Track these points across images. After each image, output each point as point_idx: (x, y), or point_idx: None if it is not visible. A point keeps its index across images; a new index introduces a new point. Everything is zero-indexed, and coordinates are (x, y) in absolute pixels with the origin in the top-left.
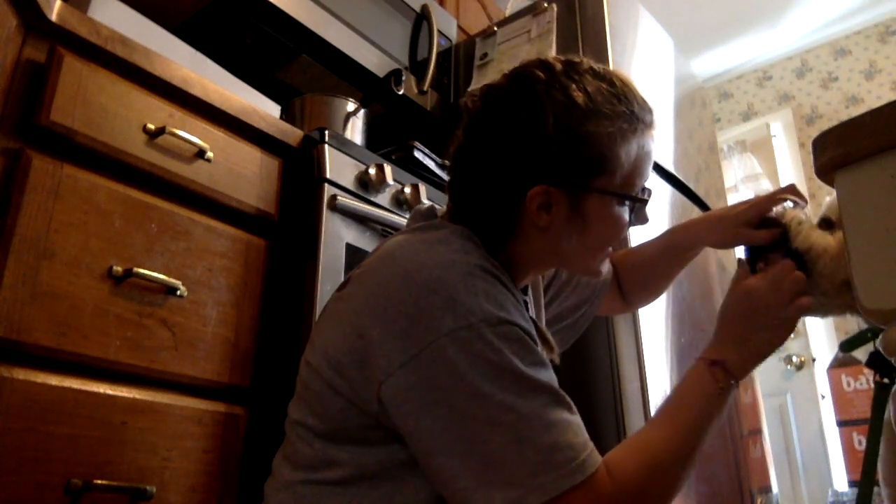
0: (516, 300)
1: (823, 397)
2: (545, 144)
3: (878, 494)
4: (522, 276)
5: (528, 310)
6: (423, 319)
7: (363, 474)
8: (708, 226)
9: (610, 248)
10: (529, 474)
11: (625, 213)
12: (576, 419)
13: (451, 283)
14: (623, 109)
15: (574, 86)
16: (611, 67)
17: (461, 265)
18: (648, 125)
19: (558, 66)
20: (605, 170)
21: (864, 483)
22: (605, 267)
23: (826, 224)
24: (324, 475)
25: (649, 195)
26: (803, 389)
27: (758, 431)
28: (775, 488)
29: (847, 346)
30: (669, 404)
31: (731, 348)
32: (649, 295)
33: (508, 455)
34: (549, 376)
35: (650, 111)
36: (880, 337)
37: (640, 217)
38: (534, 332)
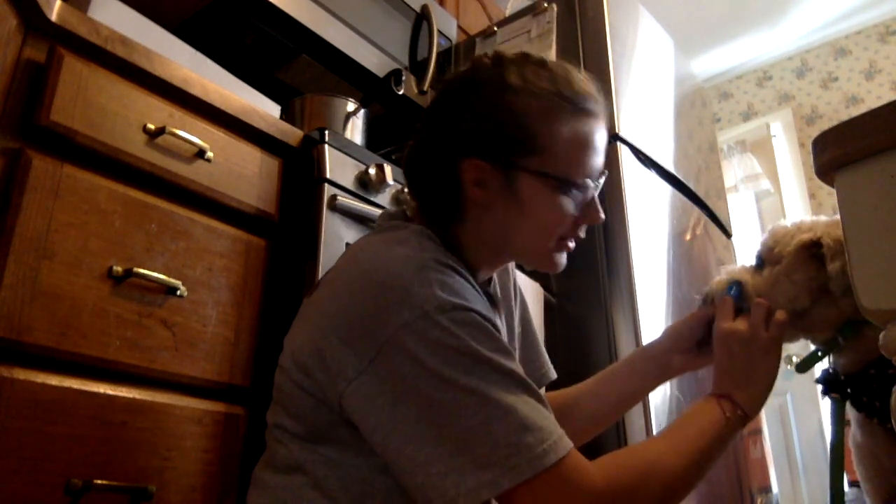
0: (477, 292)
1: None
2: (473, 118)
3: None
4: (478, 267)
5: (493, 305)
6: (381, 316)
7: (338, 476)
8: (661, 362)
9: (565, 241)
10: (501, 456)
11: (567, 203)
12: (543, 404)
13: (405, 277)
14: (554, 90)
15: (514, 69)
16: (610, 68)
17: (415, 260)
18: (588, 113)
19: (508, 55)
20: (531, 148)
21: (835, 479)
22: (562, 261)
23: (758, 262)
24: (300, 477)
25: (594, 189)
26: (803, 389)
27: (758, 431)
28: (775, 488)
29: (801, 367)
30: (674, 425)
31: (736, 389)
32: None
33: (478, 438)
34: (513, 364)
35: (595, 102)
36: (880, 337)
37: (588, 213)
38: (497, 321)
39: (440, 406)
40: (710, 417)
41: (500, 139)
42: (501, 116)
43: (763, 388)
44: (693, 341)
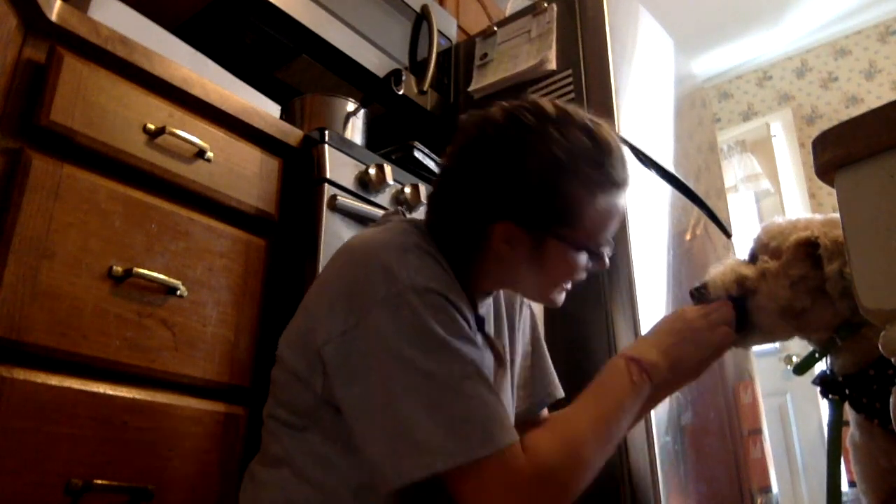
0: (452, 281)
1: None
2: (520, 189)
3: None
4: (477, 288)
5: (477, 311)
6: (361, 290)
7: (322, 466)
8: None
9: (567, 284)
10: (439, 441)
11: (583, 259)
12: (494, 398)
13: (386, 256)
14: (599, 175)
15: (561, 139)
16: (610, 68)
17: (398, 243)
18: (621, 185)
19: (553, 114)
20: (569, 223)
21: (831, 479)
22: (561, 299)
23: (751, 259)
24: (287, 470)
25: (611, 250)
26: (803, 389)
27: (758, 431)
28: (775, 488)
29: (799, 369)
30: (588, 392)
31: (653, 352)
32: None
33: (421, 420)
34: (475, 353)
35: (626, 172)
36: (880, 337)
37: (599, 265)
38: (466, 311)
39: (391, 384)
40: (621, 384)
41: (542, 213)
42: (547, 196)
43: (680, 366)
44: None
